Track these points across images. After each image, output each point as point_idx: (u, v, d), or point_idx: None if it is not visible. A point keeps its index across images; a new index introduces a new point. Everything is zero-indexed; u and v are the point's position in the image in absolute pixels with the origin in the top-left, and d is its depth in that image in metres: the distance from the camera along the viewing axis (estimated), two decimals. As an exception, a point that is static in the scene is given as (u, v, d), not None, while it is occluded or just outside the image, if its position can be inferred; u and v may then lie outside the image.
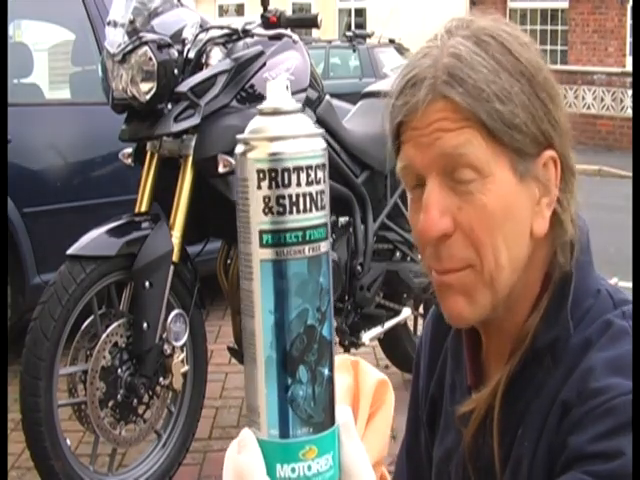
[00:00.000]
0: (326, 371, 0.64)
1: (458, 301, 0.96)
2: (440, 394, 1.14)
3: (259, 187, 0.63)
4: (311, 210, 0.63)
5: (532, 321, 0.98)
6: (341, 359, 0.96)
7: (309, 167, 0.63)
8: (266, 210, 0.63)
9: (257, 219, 0.63)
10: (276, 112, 0.64)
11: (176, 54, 2.85)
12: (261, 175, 0.63)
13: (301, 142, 0.63)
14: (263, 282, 0.63)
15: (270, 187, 0.63)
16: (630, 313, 0.97)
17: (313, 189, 0.63)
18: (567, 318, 0.96)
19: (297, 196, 0.63)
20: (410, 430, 1.23)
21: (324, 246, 0.64)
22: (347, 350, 3.47)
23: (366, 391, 0.95)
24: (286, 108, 0.64)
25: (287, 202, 0.63)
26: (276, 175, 0.63)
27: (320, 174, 0.64)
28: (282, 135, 0.63)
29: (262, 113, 0.65)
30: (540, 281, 0.99)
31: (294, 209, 0.63)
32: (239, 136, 0.65)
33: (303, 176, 0.63)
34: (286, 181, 0.63)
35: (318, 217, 0.64)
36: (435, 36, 0.98)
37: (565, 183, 0.97)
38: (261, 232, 0.63)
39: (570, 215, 0.98)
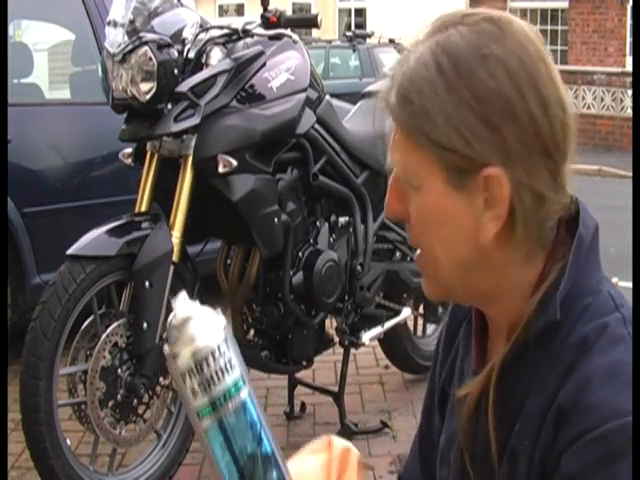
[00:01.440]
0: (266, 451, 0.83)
1: (423, 278, 1.06)
2: (449, 381, 1.16)
3: (184, 383, 0.82)
4: (224, 376, 0.81)
5: (527, 308, 1.00)
6: (319, 441, 1.05)
7: (213, 351, 0.81)
8: (193, 394, 0.81)
9: (191, 404, 0.82)
10: (182, 322, 0.84)
11: (176, 54, 2.85)
12: (185, 377, 0.81)
13: (204, 336, 0.82)
14: (213, 443, 0.82)
15: (191, 379, 0.81)
16: (630, 317, 0.98)
17: (222, 362, 0.81)
18: (555, 305, 0.97)
19: (211, 375, 0.81)
20: (424, 416, 1.25)
21: (244, 392, 0.82)
22: (347, 350, 3.47)
23: (336, 463, 1.03)
24: (183, 316, 0.84)
25: (206, 383, 0.81)
26: (192, 372, 0.81)
27: (223, 348, 0.82)
28: (190, 340, 0.82)
29: (173, 326, 0.84)
30: (539, 272, 1.01)
31: (211, 383, 0.81)
32: (166, 348, 0.83)
33: (211, 360, 0.81)
34: (202, 370, 0.81)
35: (233, 378, 0.81)
36: (410, 44, 1.01)
37: (520, 200, 0.96)
38: (197, 411, 0.82)
39: (528, 229, 0.98)
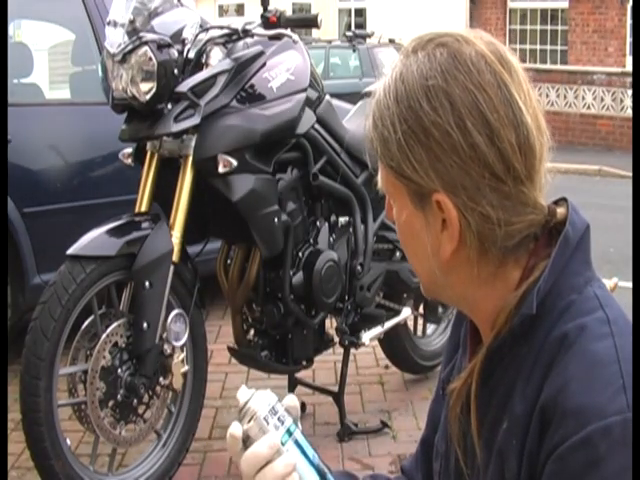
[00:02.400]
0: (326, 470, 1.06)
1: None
2: (447, 379, 1.17)
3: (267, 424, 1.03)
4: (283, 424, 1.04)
5: (509, 302, 1.01)
6: None
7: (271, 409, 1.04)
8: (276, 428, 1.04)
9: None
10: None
11: (176, 54, 2.85)
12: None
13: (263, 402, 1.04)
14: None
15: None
16: (618, 319, 0.98)
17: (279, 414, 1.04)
18: (532, 299, 0.99)
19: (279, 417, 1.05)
20: (428, 419, 1.26)
21: (297, 433, 1.06)
22: (347, 350, 3.47)
23: None
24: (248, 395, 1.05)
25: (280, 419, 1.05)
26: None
27: (277, 407, 1.04)
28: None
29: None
30: (522, 269, 1.02)
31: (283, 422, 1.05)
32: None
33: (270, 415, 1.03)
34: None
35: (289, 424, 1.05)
36: (395, 59, 1.05)
37: (467, 224, 0.99)
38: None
39: (482, 247, 1.00)
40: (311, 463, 1.04)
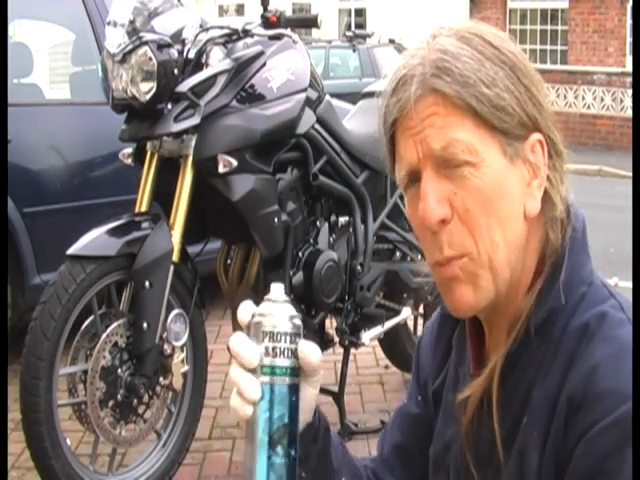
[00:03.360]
0: (292, 452, 0.95)
1: (462, 290, 1.00)
2: (440, 392, 1.15)
3: (262, 340, 1.00)
4: (292, 357, 0.98)
5: (527, 302, 1.01)
6: None
7: (296, 333, 0.99)
8: (265, 352, 0.99)
9: (260, 359, 1.00)
10: (282, 301, 1.04)
11: (176, 54, 2.85)
12: (265, 335, 1.00)
13: (297, 319, 1.02)
14: (261, 399, 0.99)
15: (269, 341, 0.99)
16: (628, 306, 0.99)
17: (294, 347, 0.98)
18: (559, 290, 0.99)
19: (285, 349, 0.98)
20: (403, 425, 1.25)
21: (298, 380, 0.98)
22: (347, 350, 3.46)
23: None
24: (285, 298, 1.04)
25: (278, 350, 0.98)
26: (274, 336, 0.99)
27: (299, 339, 0.99)
28: (287, 314, 1.02)
29: (271, 299, 1.04)
30: (535, 264, 1.03)
31: (281, 355, 0.97)
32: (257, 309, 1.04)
33: (288, 338, 0.99)
34: (279, 340, 0.99)
35: (296, 363, 0.98)
36: (421, 40, 1.02)
37: (553, 164, 1.01)
38: (261, 365, 1.00)
39: (559, 194, 1.02)
40: (266, 422, 0.97)
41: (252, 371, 1.00)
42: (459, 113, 0.96)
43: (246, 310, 1.01)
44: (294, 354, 0.97)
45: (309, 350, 0.97)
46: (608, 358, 0.93)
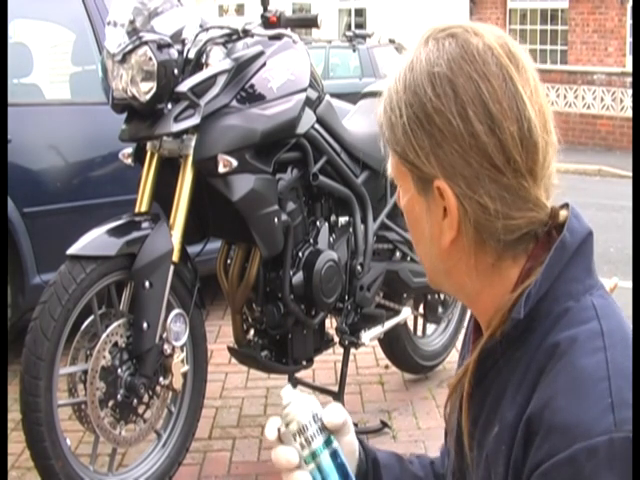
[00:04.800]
0: None
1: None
2: None
3: (295, 441, 1.06)
4: (320, 435, 1.06)
5: (504, 304, 1.01)
6: None
7: (313, 416, 1.06)
8: (301, 447, 1.06)
9: (300, 454, 1.07)
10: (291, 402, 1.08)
11: (176, 54, 2.85)
12: (295, 436, 1.07)
13: (309, 409, 1.07)
14: None
15: (299, 437, 1.06)
16: (612, 331, 0.96)
17: (317, 426, 1.06)
18: (521, 303, 0.99)
19: (312, 434, 1.06)
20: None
21: (335, 444, 1.07)
22: (347, 350, 3.46)
23: None
24: (291, 398, 1.08)
25: (309, 438, 1.06)
26: (300, 431, 1.06)
27: (318, 417, 1.07)
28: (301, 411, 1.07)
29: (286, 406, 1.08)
30: (519, 271, 1.02)
31: (311, 440, 1.06)
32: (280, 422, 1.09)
33: (312, 423, 1.07)
34: (305, 430, 1.06)
35: (326, 436, 1.07)
36: (411, 46, 1.06)
37: (465, 213, 0.99)
38: (304, 459, 1.06)
39: (480, 239, 1.00)
40: None
41: (299, 467, 1.06)
42: (385, 141, 1.06)
43: (271, 429, 1.08)
44: (323, 428, 1.06)
45: (333, 416, 1.06)
46: (567, 389, 0.91)
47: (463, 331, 1.29)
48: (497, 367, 1.01)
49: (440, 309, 3.89)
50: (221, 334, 4.52)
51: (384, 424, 3.48)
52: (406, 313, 3.68)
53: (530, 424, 0.92)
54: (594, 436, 0.88)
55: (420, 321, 4.04)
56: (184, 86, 2.82)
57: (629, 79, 13.77)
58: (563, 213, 1.03)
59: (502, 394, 0.99)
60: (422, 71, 1.00)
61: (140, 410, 2.87)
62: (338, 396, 3.44)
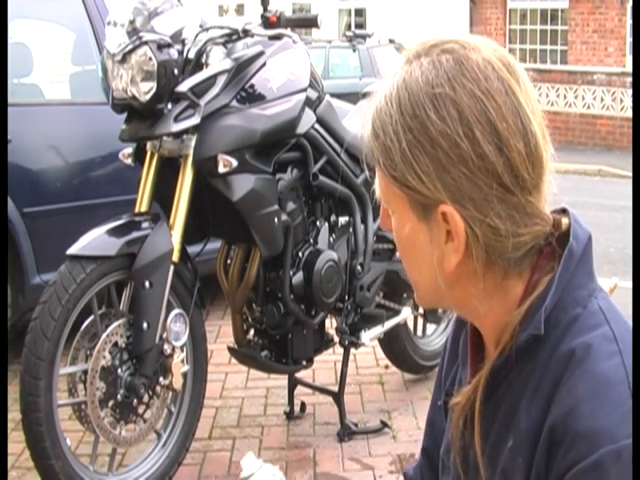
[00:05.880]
0: None
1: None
2: (451, 391, 1.16)
3: None
4: None
5: (513, 319, 1.00)
6: None
7: None
8: None
9: None
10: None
11: (176, 54, 2.85)
12: None
13: None
14: None
15: None
16: (622, 334, 0.96)
17: None
18: (540, 318, 0.97)
19: None
20: (428, 429, 1.27)
21: None
22: (347, 350, 3.47)
23: None
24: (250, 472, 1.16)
25: None
26: None
27: None
28: None
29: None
30: (525, 284, 1.00)
31: None
32: None
33: None
34: None
35: None
36: (399, 62, 1.02)
37: (475, 235, 0.97)
38: None
39: (489, 260, 0.98)
40: None
41: None
42: (381, 173, 1.01)
43: None
44: None
45: None
46: (590, 395, 0.91)
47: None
48: (508, 381, 1.00)
49: (440, 309, 3.88)
50: (221, 334, 4.52)
51: (384, 424, 3.48)
52: (406, 313, 3.68)
53: (553, 434, 0.92)
54: (618, 440, 0.88)
55: (420, 321, 4.04)
56: (184, 86, 2.82)
57: (629, 79, 13.77)
58: (564, 221, 1.02)
59: (515, 407, 0.98)
60: (420, 92, 0.95)
61: (140, 410, 2.87)
62: (338, 396, 3.45)
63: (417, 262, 1.02)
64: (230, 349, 3.32)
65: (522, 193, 0.96)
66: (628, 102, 13.80)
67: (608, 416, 0.90)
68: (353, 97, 3.91)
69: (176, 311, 2.88)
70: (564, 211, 1.04)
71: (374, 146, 0.99)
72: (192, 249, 3.07)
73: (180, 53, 2.86)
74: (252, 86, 3.00)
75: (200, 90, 2.85)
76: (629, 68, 14.98)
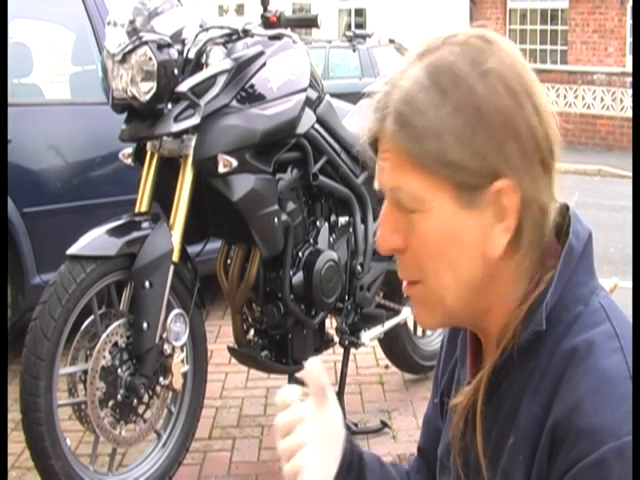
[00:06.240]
0: None
1: (418, 310, 1.04)
2: (448, 390, 1.16)
3: None
4: None
5: (515, 318, 1.00)
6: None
7: None
8: None
9: None
10: None
11: (176, 54, 2.85)
12: None
13: None
14: None
15: None
16: (624, 331, 0.96)
17: None
18: (542, 314, 0.97)
19: None
20: (424, 429, 1.26)
21: None
22: (347, 350, 3.46)
23: None
24: None
25: None
26: None
27: None
28: None
29: None
30: (527, 283, 1.00)
31: None
32: None
33: None
34: None
35: None
36: (411, 54, 1.00)
37: (528, 210, 0.96)
38: None
39: (539, 229, 0.98)
40: None
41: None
42: (408, 163, 0.96)
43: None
44: None
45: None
46: (592, 392, 0.91)
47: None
48: (509, 380, 1.00)
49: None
50: (221, 334, 4.52)
51: (384, 424, 3.48)
52: (406, 313, 3.68)
53: (556, 431, 0.92)
54: (621, 437, 0.88)
55: (420, 321, 4.03)
56: (184, 86, 2.82)
57: (629, 79, 13.77)
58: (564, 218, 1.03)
59: (517, 406, 0.98)
60: (464, 72, 0.94)
61: (140, 410, 2.87)
62: (338, 396, 3.45)
63: (454, 261, 0.97)
64: (230, 349, 3.32)
65: (551, 172, 0.98)
66: (628, 102, 13.80)
67: (611, 413, 0.89)
68: (353, 97, 3.91)
69: (176, 311, 2.88)
70: (566, 207, 1.04)
71: (407, 138, 0.95)
72: (192, 249, 3.07)
73: (180, 53, 2.86)
74: (252, 86, 3.00)
75: (200, 90, 2.85)
76: (629, 68, 14.98)
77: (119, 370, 2.77)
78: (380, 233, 1.00)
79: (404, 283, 1.03)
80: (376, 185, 1.04)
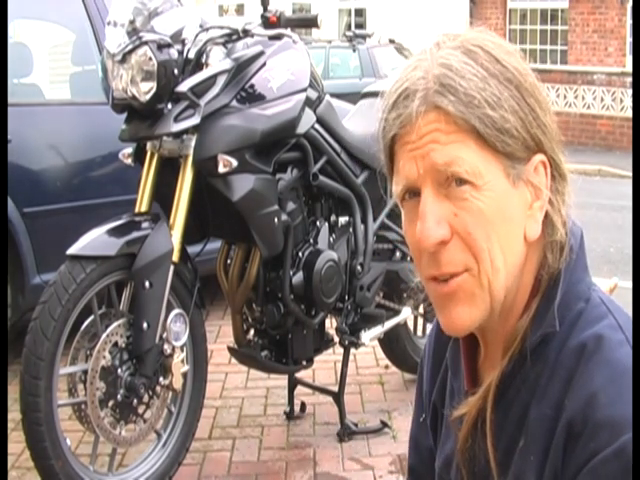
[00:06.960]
0: None
1: (459, 310, 0.98)
2: (441, 402, 1.15)
3: None
4: None
5: (522, 322, 0.99)
6: None
7: None
8: None
9: None
10: None
11: (176, 54, 2.85)
12: None
13: None
14: None
15: None
16: (626, 323, 0.97)
17: None
18: (553, 315, 0.97)
19: None
20: (412, 446, 1.25)
21: None
22: (347, 350, 3.47)
23: None
24: None
25: None
26: None
27: None
28: None
29: None
30: (531, 285, 1.01)
31: None
32: None
33: None
34: None
35: None
36: (424, 50, 0.99)
37: (556, 186, 0.99)
38: None
39: (561, 217, 0.99)
40: None
41: None
42: (462, 133, 0.94)
43: None
44: None
45: None
46: (607, 384, 0.91)
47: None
48: (515, 385, 1.00)
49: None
50: (221, 334, 4.52)
51: (384, 424, 3.48)
52: (406, 313, 3.68)
53: (572, 427, 0.91)
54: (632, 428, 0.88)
55: (420, 321, 4.04)
56: (184, 86, 2.82)
57: (629, 79, 13.77)
58: None
59: (525, 410, 0.98)
60: (496, 48, 0.98)
61: (140, 410, 2.87)
62: (338, 396, 3.45)
63: (505, 241, 0.96)
64: (230, 349, 3.32)
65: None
66: (628, 102, 13.80)
67: (628, 404, 0.89)
68: (353, 97, 3.91)
69: (176, 311, 2.88)
70: None
71: (458, 103, 0.94)
72: (192, 249, 3.07)
73: (180, 53, 2.86)
74: (252, 86, 3.00)
75: (200, 90, 2.85)
76: (629, 68, 14.98)
77: (119, 370, 2.77)
78: (424, 227, 0.95)
79: (434, 284, 0.98)
80: (399, 186, 0.99)
